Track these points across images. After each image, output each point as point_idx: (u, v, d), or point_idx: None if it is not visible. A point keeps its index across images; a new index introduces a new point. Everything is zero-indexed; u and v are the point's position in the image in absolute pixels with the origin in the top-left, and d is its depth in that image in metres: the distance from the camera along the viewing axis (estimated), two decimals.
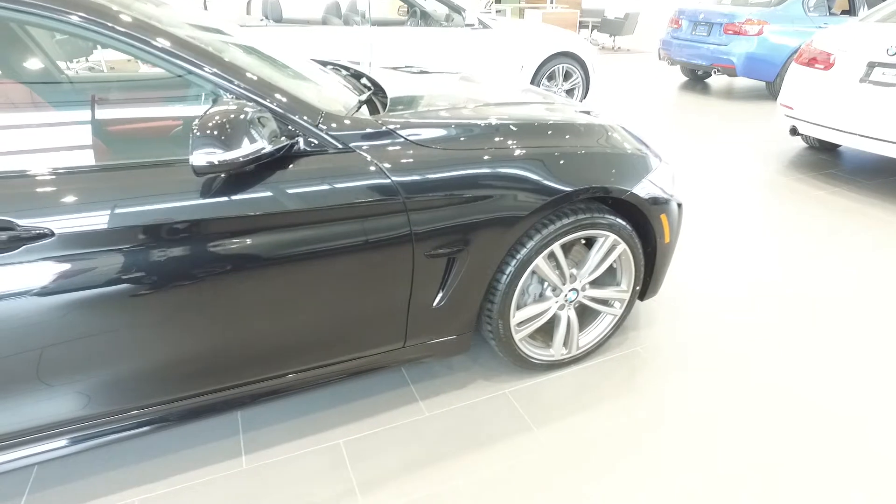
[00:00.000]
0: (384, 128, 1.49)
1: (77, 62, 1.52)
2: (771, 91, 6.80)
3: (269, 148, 1.24)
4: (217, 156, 1.15)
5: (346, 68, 2.29)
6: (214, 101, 1.26)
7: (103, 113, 1.35)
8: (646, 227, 1.96)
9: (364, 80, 2.09)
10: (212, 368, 1.44)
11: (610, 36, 11.09)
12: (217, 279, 1.32)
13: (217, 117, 1.16)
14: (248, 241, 1.31)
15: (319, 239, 1.38)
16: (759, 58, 6.41)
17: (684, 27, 7.12)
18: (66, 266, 1.17)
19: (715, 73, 6.84)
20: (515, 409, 1.86)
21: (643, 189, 1.86)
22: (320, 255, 1.40)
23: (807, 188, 3.89)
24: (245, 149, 1.18)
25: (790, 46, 6.39)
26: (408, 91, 1.93)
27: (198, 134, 1.14)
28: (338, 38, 4.68)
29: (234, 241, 1.30)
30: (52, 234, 1.15)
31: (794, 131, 4.15)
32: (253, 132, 1.20)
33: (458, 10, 4.83)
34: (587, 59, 5.45)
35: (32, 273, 1.15)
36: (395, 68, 2.46)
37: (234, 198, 1.28)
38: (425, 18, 5.26)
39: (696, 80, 8.08)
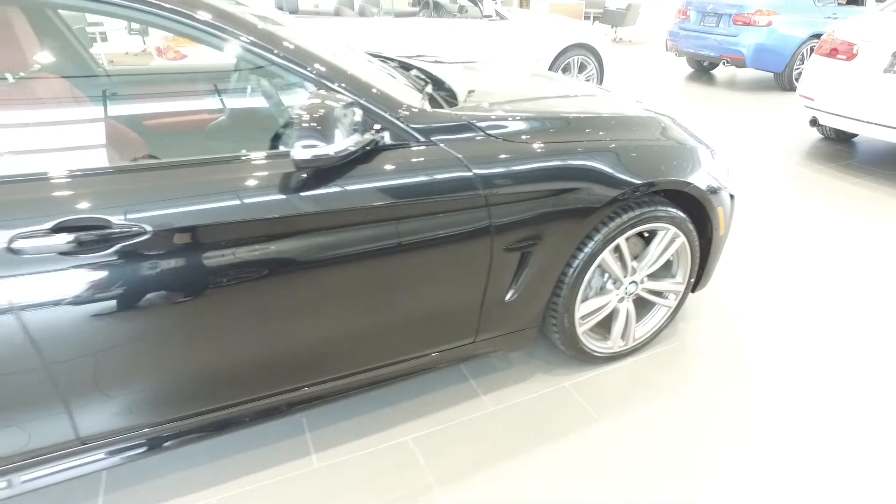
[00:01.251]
0: (463, 122, 1.47)
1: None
2: (779, 82, 6.82)
3: (363, 141, 1.21)
4: (318, 150, 1.13)
5: (392, 59, 2.26)
6: (306, 96, 1.23)
7: (193, 105, 1.32)
8: (702, 219, 1.96)
9: (415, 73, 2.06)
10: (294, 365, 1.43)
11: (612, 27, 11.06)
12: (302, 275, 1.30)
13: (316, 112, 1.14)
14: (332, 236, 1.29)
15: (401, 234, 1.37)
16: (769, 49, 6.42)
17: (692, 18, 7.11)
18: (160, 264, 1.15)
19: (724, 64, 6.84)
20: (578, 402, 1.86)
21: (703, 181, 1.85)
22: (402, 250, 1.39)
23: (829, 179, 3.91)
24: (342, 143, 1.16)
25: (799, 37, 6.41)
26: (472, 84, 1.91)
27: (298, 128, 1.12)
28: (352, 30, 4.63)
29: (320, 236, 1.28)
30: (147, 231, 1.12)
31: (814, 122, 4.17)
32: (348, 126, 1.18)
33: (475, 0, 4.79)
34: (601, 50, 5.44)
35: (126, 271, 1.13)
36: (424, 59, 2.43)
37: (322, 192, 1.26)
38: (437, 9, 5.22)
39: (702, 71, 8.08)
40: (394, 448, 1.67)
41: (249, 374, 1.38)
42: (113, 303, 1.13)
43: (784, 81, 6.71)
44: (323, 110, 1.14)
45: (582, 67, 5.48)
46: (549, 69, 5.23)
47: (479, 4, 4.79)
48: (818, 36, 6.46)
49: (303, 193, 1.24)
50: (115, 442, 1.31)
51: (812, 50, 6.58)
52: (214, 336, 1.27)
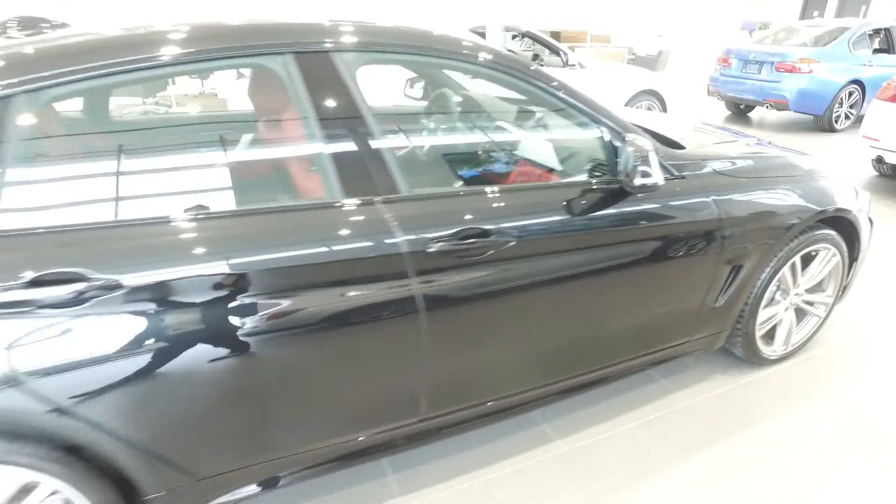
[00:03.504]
0: (698, 160, 1.86)
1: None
2: (818, 124, 7.29)
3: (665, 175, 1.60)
4: (649, 179, 1.51)
5: None
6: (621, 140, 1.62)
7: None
8: (851, 240, 2.31)
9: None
10: (562, 359, 1.77)
11: None
12: (591, 280, 1.66)
13: (643, 151, 1.52)
14: (619, 249, 1.66)
15: (665, 248, 1.73)
16: (811, 93, 6.91)
17: (734, 65, 7.65)
18: (519, 265, 1.50)
19: (767, 107, 7.34)
20: (759, 397, 2.17)
21: (855, 208, 2.22)
22: (662, 260, 1.75)
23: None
24: (660, 176, 1.54)
25: (838, 83, 6.91)
26: (679, 131, 2.28)
27: (639, 162, 1.50)
28: None
29: (613, 247, 1.65)
30: (516, 237, 1.48)
31: (879, 160, 4.58)
32: (659, 163, 1.56)
33: (557, 51, 5.31)
34: (666, 95, 5.93)
35: (501, 269, 1.48)
36: None
37: (627, 209, 1.64)
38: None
39: (740, 113, 8.59)
40: (625, 434, 1.98)
41: (529, 368, 1.71)
42: (471, 305, 1.48)
43: (824, 123, 7.18)
44: (647, 151, 1.53)
45: (649, 110, 5.97)
46: None
47: (563, 55, 5.30)
48: (856, 82, 6.98)
49: (613, 210, 1.61)
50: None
51: (850, 94, 7.13)
52: (516, 333, 1.61)
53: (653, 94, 5.84)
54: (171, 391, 1.21)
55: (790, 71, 6.93)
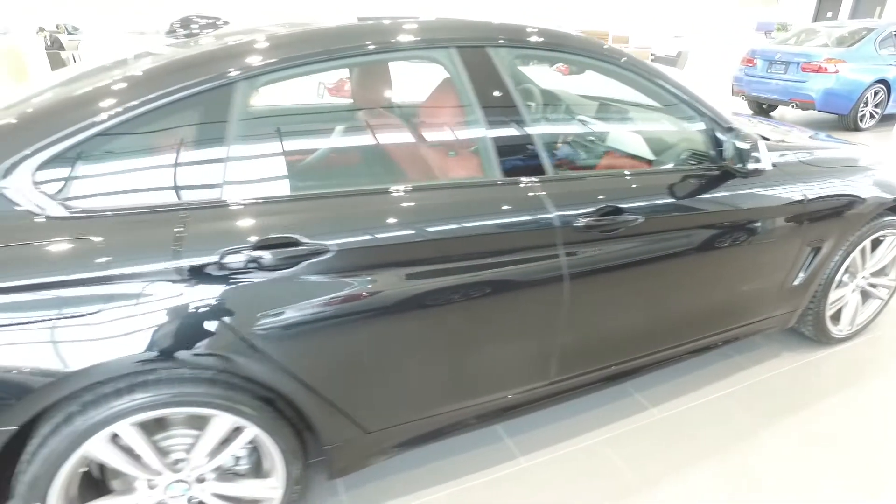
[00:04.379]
0: (785, 151, 2.02)
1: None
2: (843, 123, 7.42)
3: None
4: (759, 164, 1.69)
5: None
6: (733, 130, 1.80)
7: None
8: None
9: None
10: (671, 328, 1.94)
11: None
12: (696, 257, 1.83)
13: (751, 140, 1.70)
14: (721, 230, 1.83)
15: (757, 230, 1.90)
16: (837, 93, 7.05)
17: (759, 66, 7.80)
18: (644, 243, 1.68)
19: (793, 107, 7.48)
20: (826, 373, 2.34)
21: None
22: (753, 242, 1.92)
23: None
24: (768, 162, 1.72)
25: (864, 82, 7.05)
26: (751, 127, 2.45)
27: (751, 149, 1.68)
28: None
29: (717, 228, 1.83)
30: (642, 217, 1.65)
31: None
32: (766, 151, 1.74)
33: None
34: None
35: (621, 246, 1.65)
36: None
37: (734, 193, 1.82)
38: None
39: (763, 112, 8.74)
40: (711, 403, 2.15)
41: (645, 335, 1.88)
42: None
43: (849, 122, 7.32)
44: (757, 140, 1.70)
45: None
46: None
47: None
48: (881, 81, 7.12)
49: (717, 194, 1.79)
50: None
51: (876, 94, 7.27)
52: (638, 303, 1.79)
53: None
54: (360, 349, 1.39)
55: (817, 71, 7.07)
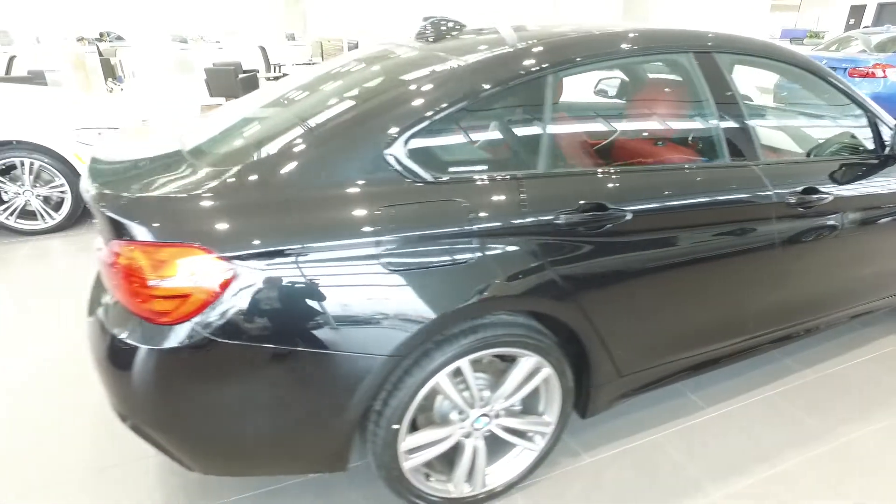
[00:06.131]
0: None
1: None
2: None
3: None
4: None
5: None
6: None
7: None
8: None
9: None
10: (842, 294, 2.26)
11: None
12: (851, 235, 2.12)
13: None
14: (866, 213, 2.13)
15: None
16: (885, 97, 7.32)
17: None
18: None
19: None
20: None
21: None
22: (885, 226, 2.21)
23: None
24: None
25: None
26: None
27: None
28: None
29: (873, 211, 2.14)
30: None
31: None
32: None
33: None
34: None
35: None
36: None
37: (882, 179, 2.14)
38: None
39: None
40: (858, 366, 2.43)
41: (827, 298, 2.20)
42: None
43: None
44: None
45: None
46: None
47: None
48: None
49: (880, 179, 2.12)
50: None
51: None
52: (829, 269, 2.11)
53: None
54: (638, 300, 1.70)
55: (865, 76, 7.34)
